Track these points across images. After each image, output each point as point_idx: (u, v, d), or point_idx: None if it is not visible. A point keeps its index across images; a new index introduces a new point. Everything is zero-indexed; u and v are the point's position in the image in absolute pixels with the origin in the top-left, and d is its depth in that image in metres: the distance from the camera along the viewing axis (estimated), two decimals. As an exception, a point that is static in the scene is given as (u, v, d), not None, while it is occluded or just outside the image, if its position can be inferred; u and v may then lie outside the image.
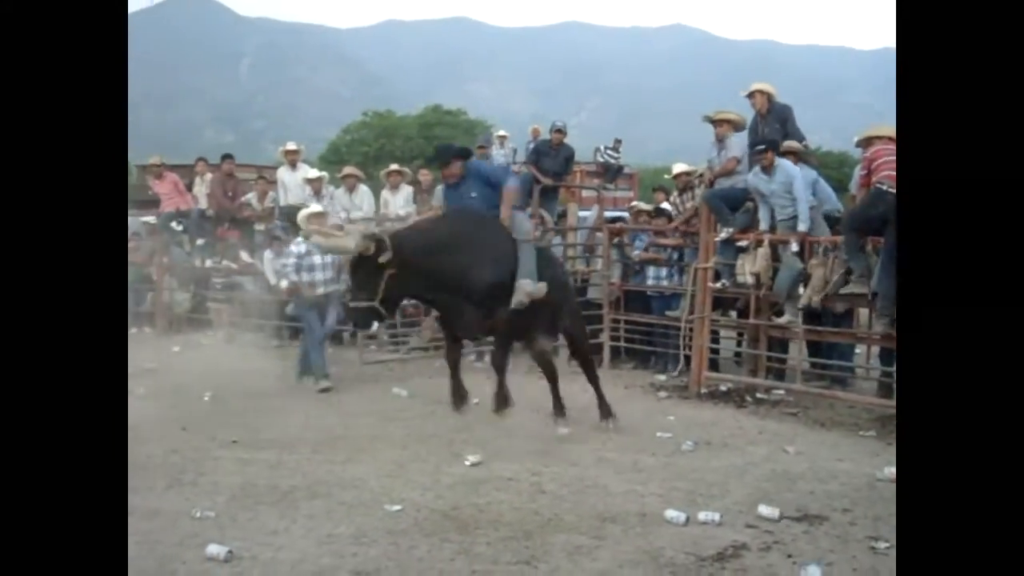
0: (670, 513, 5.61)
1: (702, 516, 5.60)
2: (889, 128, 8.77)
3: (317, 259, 10.36)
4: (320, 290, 10.46)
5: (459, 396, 7.84)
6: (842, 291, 8.87)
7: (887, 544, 5.21)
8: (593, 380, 8.33)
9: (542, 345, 7.88)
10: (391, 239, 7.00)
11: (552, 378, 8.07)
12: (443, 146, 8.96)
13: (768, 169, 9.51)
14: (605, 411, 8.19)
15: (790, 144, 10.07)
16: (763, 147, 9.62)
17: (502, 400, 7.71)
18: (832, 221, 9.79)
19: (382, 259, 6.86)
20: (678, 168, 12.01)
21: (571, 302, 8.54)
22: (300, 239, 10.40)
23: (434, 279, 7.16)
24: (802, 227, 9.33)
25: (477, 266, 7.17)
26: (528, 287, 7.25)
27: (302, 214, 10.38)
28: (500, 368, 7.73)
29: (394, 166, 14.07)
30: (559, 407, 8.13)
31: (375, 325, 8.97)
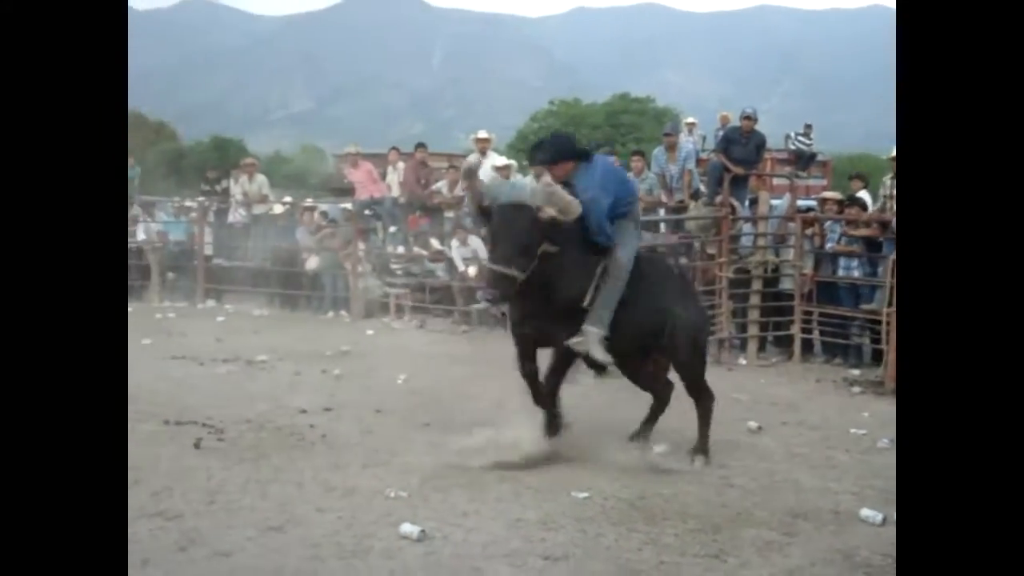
0: (865, 512, 5.45)
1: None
2: None
3: None
4: None
5: (552, 424, 6.79)
6: None
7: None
8: (704, 416, 6.81)
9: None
10: None
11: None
12: (555, 138, 7.14)
13: None
14: (701, 447, 6.75)
15: None
16: None
17: (553, 426, 6.77)
18: None
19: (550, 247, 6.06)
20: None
21: (685, 331, 6.71)
22: None
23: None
24: None
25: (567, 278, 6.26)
26: (594, 338, 6.26)
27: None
28: (547, 391, 6.78)
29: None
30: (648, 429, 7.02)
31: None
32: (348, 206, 15.89)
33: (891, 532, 5.17)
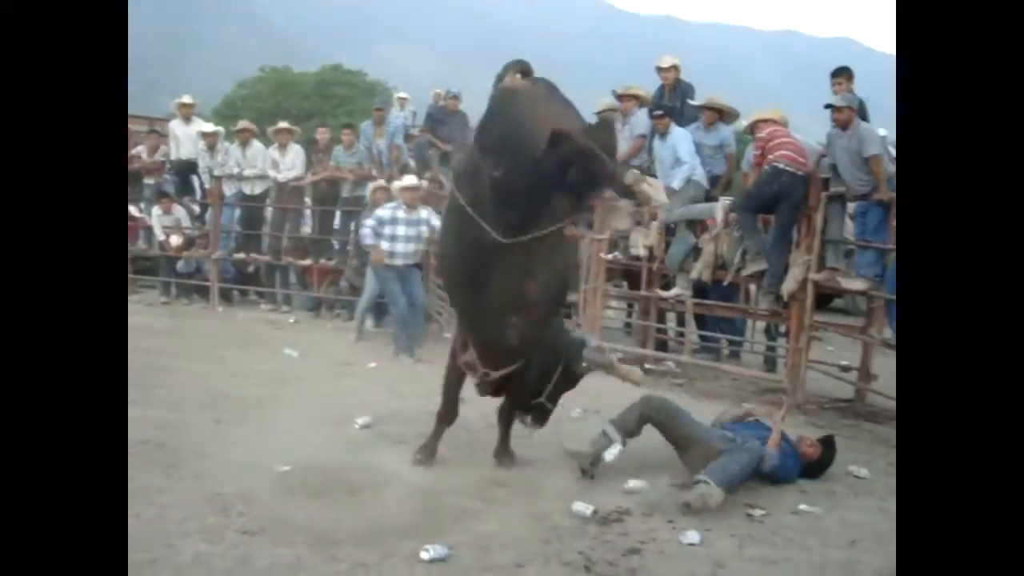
0: (577, 506, 5.42)
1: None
2: (775, 112, 9.13)
3: (401, 229, 9.92)
4: (399, 261, 9.99)
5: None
6: (743, 272, 9.13)
7: (763, 512, 5.42)
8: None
9: None
10: None
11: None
12: None
13: (663, 134, 9.71)
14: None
15: (713, 99, 10.27)
16: (661, 112, 9.82)
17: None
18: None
19: None
20: None
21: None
22: (394, 203, 10.08)
23: None
24: (675, 184, 9.54)
25: None
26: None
27: (398, 184, 10.18)
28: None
29: (283, 123, 13.56)
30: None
31: None
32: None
33: (579, 496, 5.47)
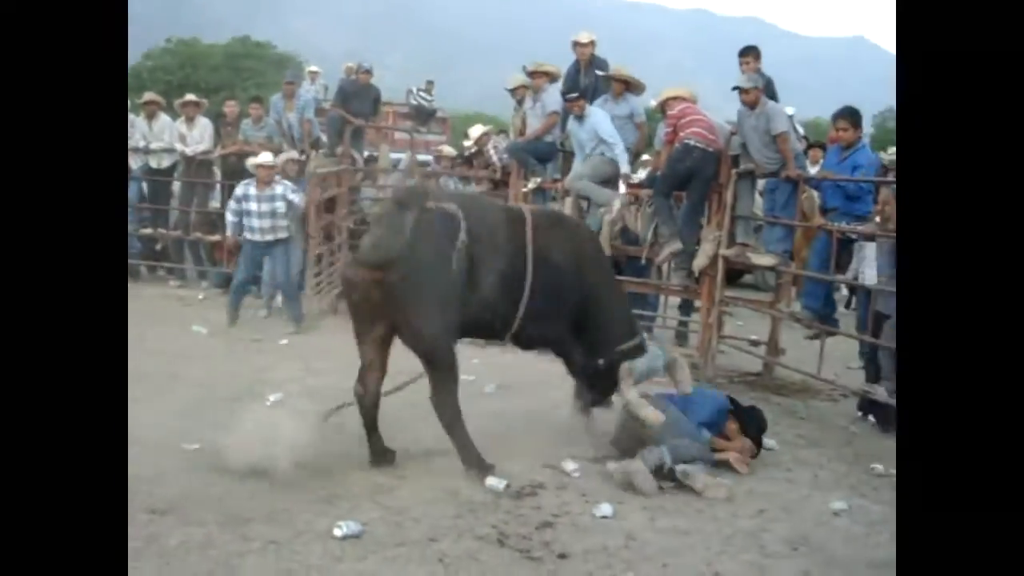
0: (490, 481, 5.41)
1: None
2: (685, 90, 9.24)
3: (253, 205, 10.16)
4: (256, 236, 10.22)
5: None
6: (658, 258, 9.24)
7: (672, 484, 5.50)
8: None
9: None
10: None
11: None
12: None
13: (580, 117, 9.71)
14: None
15: (619, 70, 10.30)
16: (576, 95, 9.82)
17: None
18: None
19: None
20: (475, 132, 12.31)
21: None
22: (249, 180, 10.34)
23: None
24: (624, 168, 9.56)
25: None
26: None
27: (254, 161, 10.30)
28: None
29: (191, 96, 13.30)
30: None
31: None
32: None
33: (494, 471, 5.47)
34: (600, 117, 9.69)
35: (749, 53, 9.21)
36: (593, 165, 9.61)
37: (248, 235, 10.23)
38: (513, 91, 10.86)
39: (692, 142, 8.55)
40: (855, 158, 8.14)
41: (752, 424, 6.13)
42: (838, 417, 7.74)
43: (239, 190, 10.27)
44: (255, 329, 10.01)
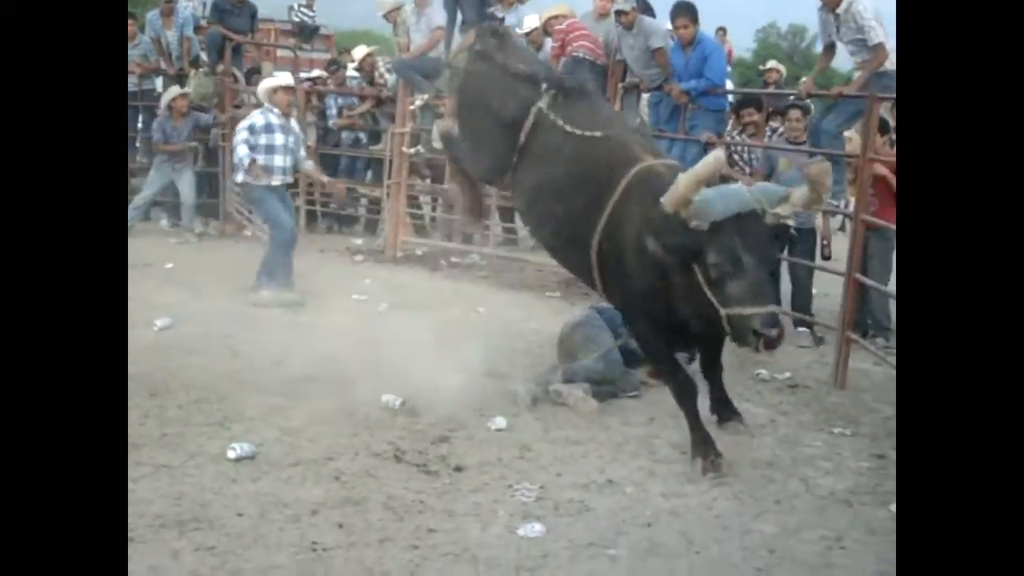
0: (386, 397, 5.45)
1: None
2: (564, 7, 9.27)
3: (279, 138, 8.13)
4: (277, 180, 8.16)
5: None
6: None
7: (557, 392, 5.59)
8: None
9: None
10: None
11: None
12: None
13: None
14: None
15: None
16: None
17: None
18: None
19: None
20: (358, 53, 12.21)
21: None
22: (266, 107, 8.21)
23: None
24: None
25: None
26: None
27: (268, 84, 8.42)
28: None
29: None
30: None
31: None
32: None
33: (388, 388, 5.48)
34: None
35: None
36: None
37: (267, 177, 8.03)
38: (386, 16, 10.73)
39: (581, 55, 8.61)
40: (701, 50, 8.26)
41: None
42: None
43: (256, 119, 8.15)
44: (146, 253, 9.67)
